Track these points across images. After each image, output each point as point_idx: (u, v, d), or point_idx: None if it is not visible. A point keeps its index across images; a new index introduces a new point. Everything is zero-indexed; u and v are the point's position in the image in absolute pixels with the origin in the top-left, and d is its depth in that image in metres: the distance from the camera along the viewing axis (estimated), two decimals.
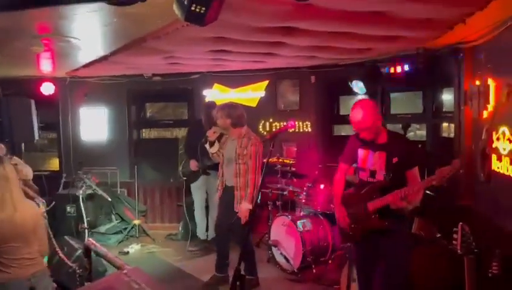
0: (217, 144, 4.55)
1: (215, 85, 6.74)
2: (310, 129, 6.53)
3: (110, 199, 5.80)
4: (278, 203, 5.59)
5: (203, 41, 3.80)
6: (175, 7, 1.90)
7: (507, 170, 3.60)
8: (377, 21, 3.30)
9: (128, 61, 4.98)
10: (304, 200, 5.27)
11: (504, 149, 3.66)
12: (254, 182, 4.23)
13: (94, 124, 7.04)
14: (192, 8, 1.77)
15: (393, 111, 6.30)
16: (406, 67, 5.22)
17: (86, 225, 5.38)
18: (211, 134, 4.55)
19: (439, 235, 3.71)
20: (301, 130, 6.52)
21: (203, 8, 1.77)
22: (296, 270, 4.84)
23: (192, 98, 6.96)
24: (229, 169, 4.44)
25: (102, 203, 6.24)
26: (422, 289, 3.63)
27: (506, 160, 3.63)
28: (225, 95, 6.68)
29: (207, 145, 4.60)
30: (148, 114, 7.67)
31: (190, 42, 3.81)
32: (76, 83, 6.91)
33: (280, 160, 5.76)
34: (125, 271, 2.03)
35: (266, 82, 6.66)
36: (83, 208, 5.56)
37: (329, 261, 4.96)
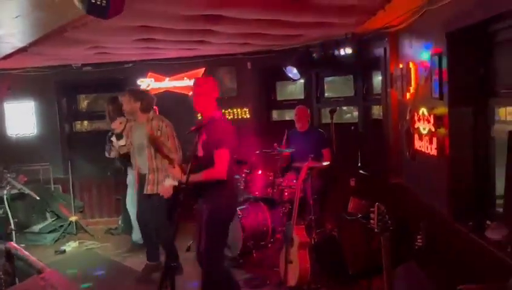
0: (125, 137, 4.38)
1: (150, 74, 6.57)
2: (248, 115, 6.57)
3: (38, 198, 5.54)
4: None
5: (126, 30, 3.67)
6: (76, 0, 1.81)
7: (427, 149, 3.83)
8: (301, 8, 3.34)
9: (51, 52, 4.71)
10: (242, 186, 5.31)
11: (424, 129, 3.88)
12: (177, 161, 4.11)
13: (21, 119, 6.64)
14: (93, 1, 1.69)
15: (327, 95, 6.46)
16: (337, 52, 5.35)
17: (12, 226, 5.11)
18: (117, 125, 4.37)
19: (359, 215, 3.88)
20: (240, 117, 6.54)
21: (104, 1, 1.70)
22: (237, 257, 4.88)
23: (126, 88, 6.71)
24: (142, 156, 4.25)
25: (34, 201, 5.94)
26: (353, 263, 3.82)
27: (426, 139, 3.86)
28: (160, 84, 6.53)
29: (113, 139, 4.42)
30: (81, 106, 7.33)
31: (113, 32, 3.67)
32: None
33: None
34: (42, 275, 1.96)
35: (202, 70, 6.57)
36: (8, 209, 5.28)
37: (269, 245, 5.04)
